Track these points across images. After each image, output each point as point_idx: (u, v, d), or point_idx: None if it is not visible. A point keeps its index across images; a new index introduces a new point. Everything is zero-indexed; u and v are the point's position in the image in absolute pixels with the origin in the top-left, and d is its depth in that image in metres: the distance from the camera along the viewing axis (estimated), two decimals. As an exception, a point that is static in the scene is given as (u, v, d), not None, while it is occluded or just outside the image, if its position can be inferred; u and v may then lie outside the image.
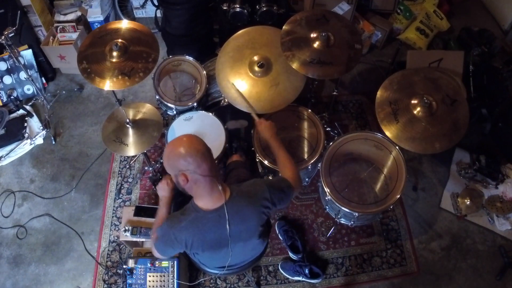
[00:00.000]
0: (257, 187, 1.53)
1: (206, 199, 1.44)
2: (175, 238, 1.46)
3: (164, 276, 1.94)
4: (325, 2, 3.07)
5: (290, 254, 2.38)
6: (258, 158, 2.20)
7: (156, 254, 1.60)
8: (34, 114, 3.02)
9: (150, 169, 2.58)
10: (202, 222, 1.44)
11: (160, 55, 2.18)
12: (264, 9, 2.84)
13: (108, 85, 1.96)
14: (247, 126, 2.48)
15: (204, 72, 2.40)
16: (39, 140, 2.91)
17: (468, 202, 2.52)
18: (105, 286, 2.32)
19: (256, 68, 2.15)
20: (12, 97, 3.04)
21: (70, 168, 2.79)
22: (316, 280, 2.31)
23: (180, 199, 1.82)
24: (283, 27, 2.19)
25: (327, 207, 2.23)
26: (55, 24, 3.13)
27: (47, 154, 2.87)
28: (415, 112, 1.95)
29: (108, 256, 2.42)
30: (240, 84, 2.15)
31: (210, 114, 2.29)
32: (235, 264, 1.73)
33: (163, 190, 1.72)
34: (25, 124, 2.93)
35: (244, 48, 2.22)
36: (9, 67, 3.00)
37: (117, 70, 1.97)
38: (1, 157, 2.81)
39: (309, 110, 2.32)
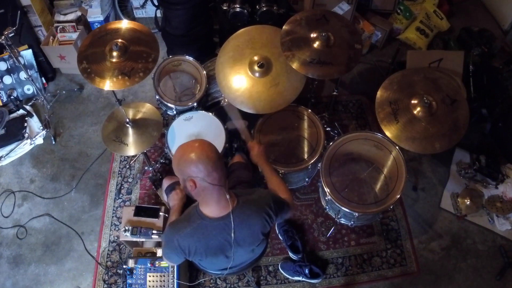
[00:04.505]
0: (262, 196, 1.54)
1: (212, 207, 1.42)
2: (178, 245, 1.45)
3: (164, 276, 1.94)
4: (325, 2, 3.07)
5: (290, 254, 2.38)
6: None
7: (166, 260, 1.63)
8: (34, 114, 3.02)
9: (150, 169, 2.58)
10: (208, 229, 1.43)
11: (160, 55, 2.18)
12: (264, 9, 2.84)
13: (108, 85, 1.96)
14: (247, 126, 2.47)
15: (204, 72, 2.39)
16: (39, 140, 2.91)
17: (468, 202, 2.52)
18: (105, 286, 2.32)
19: (256, 68, 2.15)
20: (12, 97, 3.04)
21: (70, 168, 2.79)
22: (316, 280, 2.31)
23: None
24: (283, 27, 2.18)
25: (327, 207, 2.23)
26: (55, 24, 3.12)
27: (47, 154, 2.87)
28: (415, 112, 1.94)
29: (108, 256, 2.42)
30: (240, 84, 2.15)
31: (210, 114, 2.29)
32: (235, 266, 1.73)
33: (175, 199, 1.75)
34: (25, 124, 2.92)
35: (244, 48, 2.22)
36: (9, 67, 3.00)
37: (117, 70, 1.97)
38: (1, 157, 2.81)
39: (309, 110, 2.32)
